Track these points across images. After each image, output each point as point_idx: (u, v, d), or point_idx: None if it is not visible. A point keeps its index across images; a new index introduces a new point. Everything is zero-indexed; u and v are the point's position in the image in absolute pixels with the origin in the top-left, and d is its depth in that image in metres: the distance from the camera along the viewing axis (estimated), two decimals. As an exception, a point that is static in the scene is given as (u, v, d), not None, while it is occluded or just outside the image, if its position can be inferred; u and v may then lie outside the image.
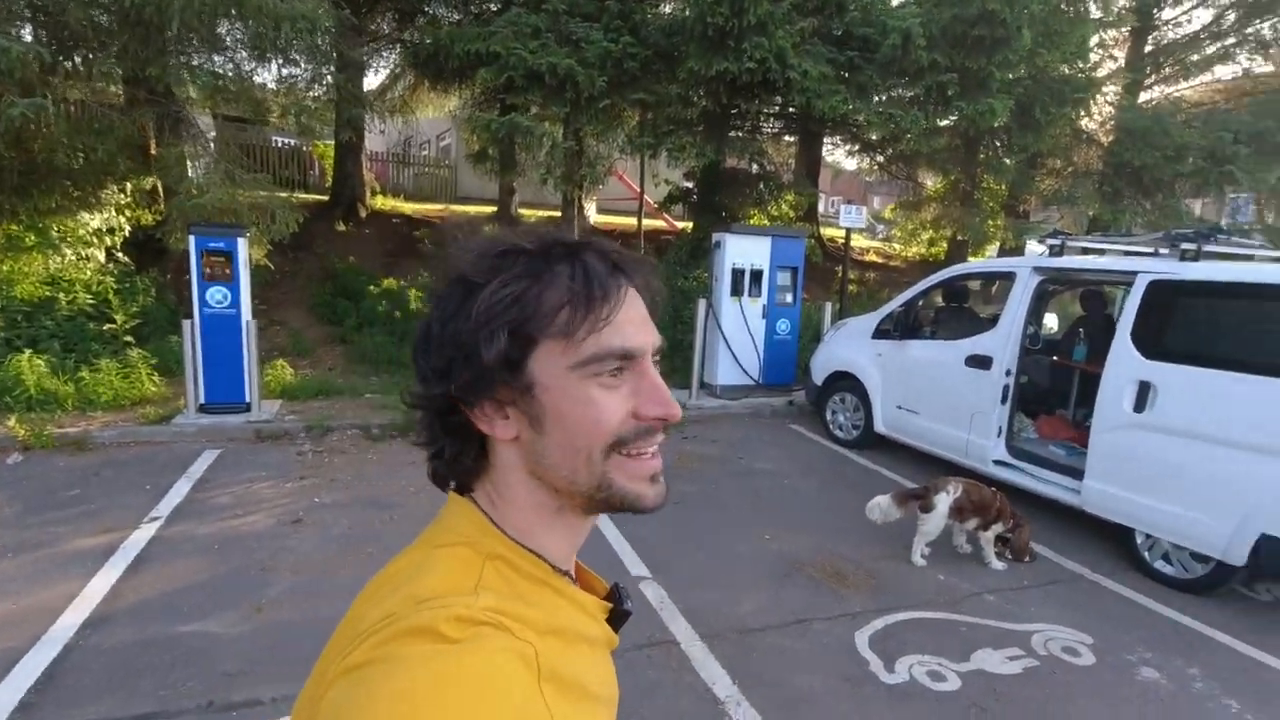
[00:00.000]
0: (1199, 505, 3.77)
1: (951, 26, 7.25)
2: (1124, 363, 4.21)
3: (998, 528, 4.16)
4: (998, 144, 10.07)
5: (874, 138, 12.08)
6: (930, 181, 14.13)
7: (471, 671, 0.48)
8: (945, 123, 8.45)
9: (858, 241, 16.78)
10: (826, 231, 14.94)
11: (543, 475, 0.62)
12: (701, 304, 7.57)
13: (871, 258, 15.76)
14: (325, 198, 11.72)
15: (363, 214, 11.40)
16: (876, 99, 8.20)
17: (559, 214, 12.04)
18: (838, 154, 15.42)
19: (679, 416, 0.62)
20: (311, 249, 9.82)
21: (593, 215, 14.69)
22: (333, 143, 11.62)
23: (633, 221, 13.02)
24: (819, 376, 6.86)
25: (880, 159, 13.65)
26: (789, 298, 8.13)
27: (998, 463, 5.06)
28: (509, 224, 11.64)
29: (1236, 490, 3.62)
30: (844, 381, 6.55)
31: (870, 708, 2.82)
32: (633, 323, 0.61)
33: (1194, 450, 3.82)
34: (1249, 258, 4.49)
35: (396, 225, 11.33)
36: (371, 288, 9.27)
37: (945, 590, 3.85)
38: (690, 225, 12.33)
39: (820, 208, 15.91)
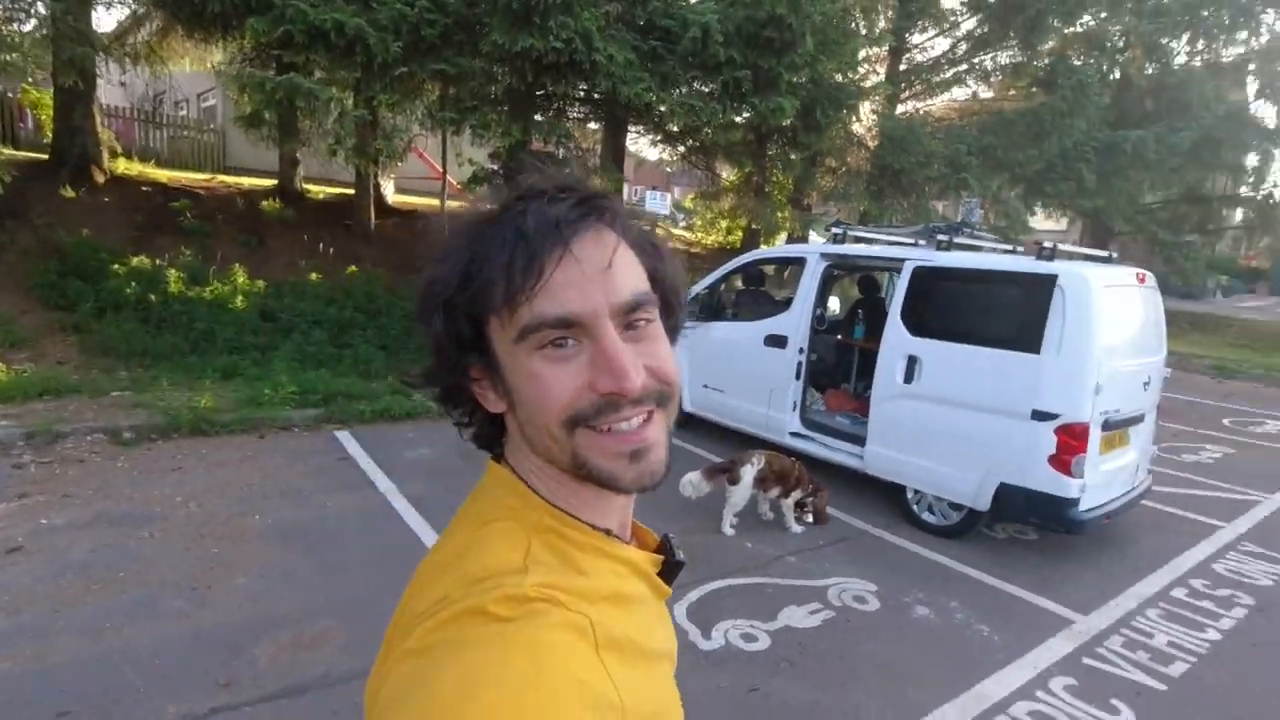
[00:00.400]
0: (954, 462, 4.36)
1: (745, 26, 7.69)
2: (895, 340, 4.74)
3: (797, 494, 4.50)
4: (785, 141, 10.93)
5: (676, 128, 12.54)
6: (727, 173, 15.03)
7: (527, 648, 0.47)
8: (740, 118, 8.97)
9: (663, 229, 17.39)
10: (632, 219, 15.26)
11: (533, 448, 0.60)
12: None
13: (674, 245, 16.45)
14: (43, 156, 9.65)
15: (99, 179, 9.56)
16: (678, 90, 8.48)
17: (352, 191, 11.05)
18: (641, 143, 15.83)
19: (635, 390, 0.54)
20: (27, 218, 8.04)
21: (391, 194, 13.68)
22: (51, 90, 9.58)
23: (435, 203, 12.33)
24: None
25: (681, 149, 14.24)
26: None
27: (794, 434, 5.48)
28: (362, 194, 10.43)
29: (980, 448, 4.24)
30: (654, 363, 6.71)
31: (691, 676, 2.89)
32: (574, 284, 0.54)
33: (949, 415, 4.41)
34: (983, 249, 5.26)
35: (148, 194, 9.64)
36: (116, 267, 7.80)
37: (753, 556, 4.09)
38: (497, 208, 11.96)
39: (624, 196, 16.27)
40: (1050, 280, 4.07)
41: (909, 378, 4.63)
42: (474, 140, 10.27)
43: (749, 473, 4.37)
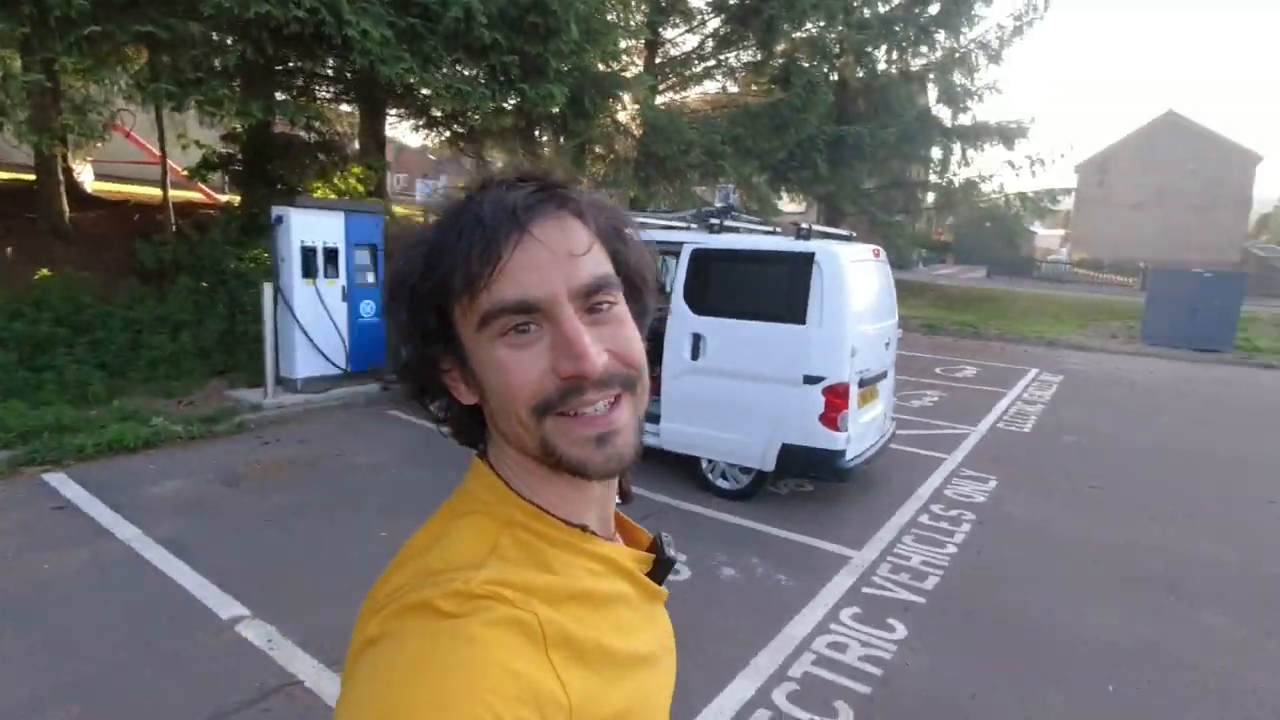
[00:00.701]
0: (741, 429, 4.72)
1: (508, 9, 7.51)
2: (680, 319, 4.98)
3: (602, 477, 4.56)
4: (555, 129, 10.95)
5: (441, 113, 11.96)
6: (497, 160, 14.71)
7: (462, 642, 0.47)
8: (510, 104, 8.79)
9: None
10: (399, 209, 14.36)
11: (505, 439, 0.60)
12: (267, 289, 6.52)
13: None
14: None
15: None
16: (442, 72, 8.06)
17: (33, 177, 8.98)
18: (402, 127, 14.88)
19: (598, 372, 0.54)
20: None
21: (90, 181, 11.35)
22: None
23: (151, 191, 10.50)
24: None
25: (447, 135, 13.64)
26: (370, 277, 7.59)
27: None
28: (48, 180, 8.19)
29: (762, 413, 4.63)
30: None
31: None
32: (534, 268, 0.54)
33: (734, 386, 4.75)
34: (749, 231, 5.73)
35: None
36: None
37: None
38: (238, 198, 10.50)
39: (385, 183, 15.22)
40: (809, 258, 4.54)
41: (695, 354, 4.90)
42: (202, 120, 8.88)
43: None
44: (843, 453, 4.49)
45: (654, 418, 5.21)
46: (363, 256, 7.49)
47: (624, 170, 12.50)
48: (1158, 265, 18.76)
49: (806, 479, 5.13)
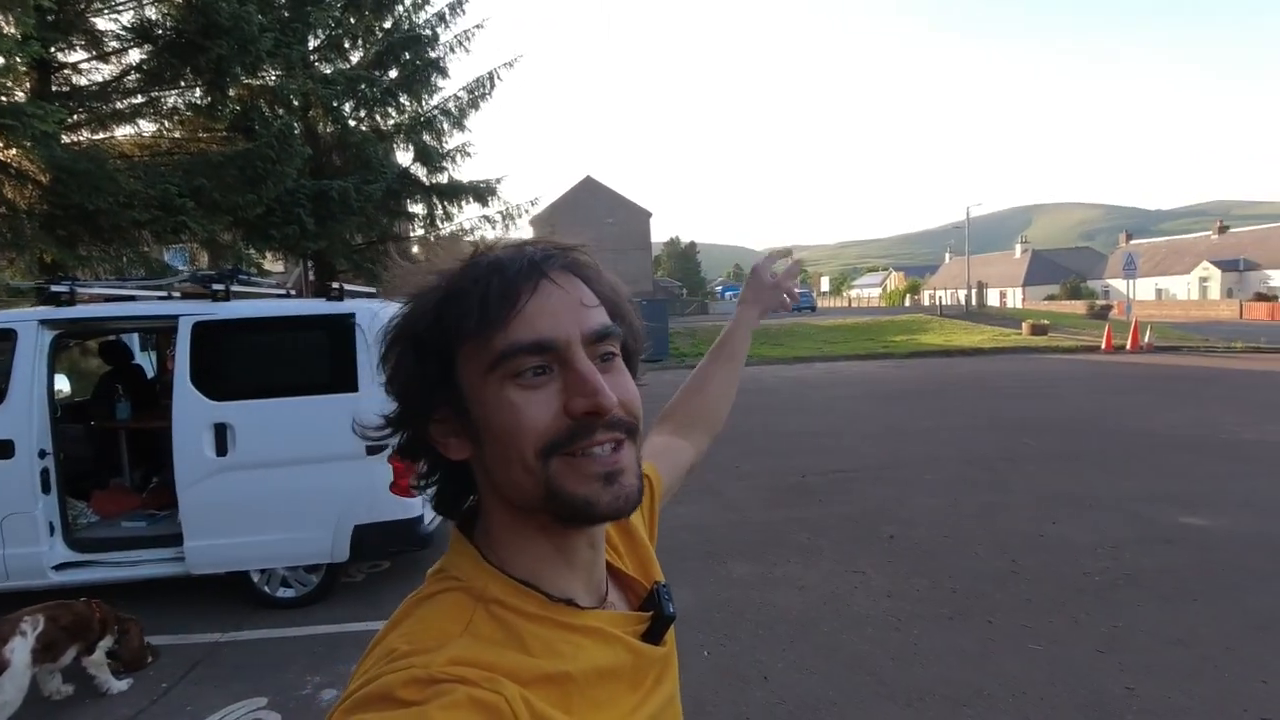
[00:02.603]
0: (301, 524, 4.03)
1: None
2: (192, 410, 3.98)
3: (106, 643, 3.31)
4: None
5: None
6: None
7: None
8: None
9: None
10: None
11: (499, 492, 0.58)
12: None
13: None
14: None
15: None
16: None
17: None
18: None
19: (613, 408, 0.54)
20: None
21: None
22: None
23: None
24: None
25: None
26: None
27: (61, 567, 3.99)
28: None
29: (326, 498, 4.05)
30: None
31: None
32: (550, 313, 0.55)
33: (283, 476, 4.02)
34: (262, 295, 4.96)
35: None
36: None
37: (72, 761, 2.81)
38: None
39: None
40: (349, 319, 4.17)
41: (221, 449, 3.99)
42: None
43: (23, 648, 2.95)
44: (420, 518, 4.25)
45: (169, 540, 4.05)
46: None
47: (29, 225, 9.42)
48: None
49: (385, 557, 4.69)
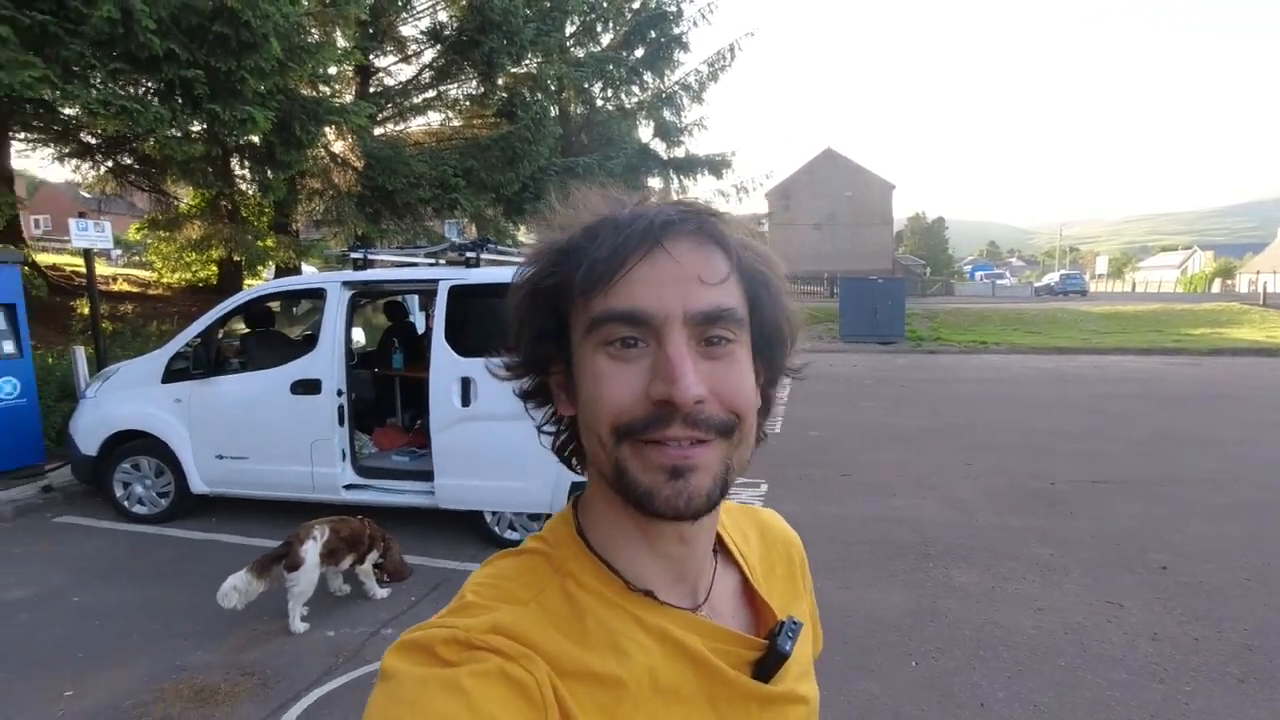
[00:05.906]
0: (525, 475, 4.39)
1: (185, 15, 6.33)
2: (444, 364, 4.53)
3: (373, 556, 3.92)
4: (258, 159, 9.57)
5: (95, 138, 9.81)
6: (185, 197, 12.49)
7: (448, 693, 0.44)
8: (198, 127, 7.43)
9: (100, 268, 13.57)
10: (44, 258, 11.49)
11: (591, 459, 0.57)
12: None
13: (123, 286, 12.99)
14: None
15: None
16: (96, 85, 6.52)
17: None
18: (37, 157, 11.94)
19: (690, 401, 0.49)
20: None
21: None
22: None
23: None
24: (91, 444, 5.16)
25: (109, 166, 11.22)
26: (10, 346, 5.87)
27: (350, 487, 4.81)
28: None
29: (547, 454, 4.35)
30: (135, 442, 5.10)
31: None
32: (655, 283, 0.51)
33: (513, 430, 4.40)
34: (508, 263, 5.46)
35: None
36: None
37: (340, 648, 3.39)
38: None
39: (26, 228, 12.15)
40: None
41: (466, 400, 4.49)
42: None
43: (313, 550, 3.61)
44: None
45: (424, 475, 4.67)
46: (-3, 320, 5.76)
47: (346, 205, 11.41)
48: (844, 275, 22.47)
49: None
